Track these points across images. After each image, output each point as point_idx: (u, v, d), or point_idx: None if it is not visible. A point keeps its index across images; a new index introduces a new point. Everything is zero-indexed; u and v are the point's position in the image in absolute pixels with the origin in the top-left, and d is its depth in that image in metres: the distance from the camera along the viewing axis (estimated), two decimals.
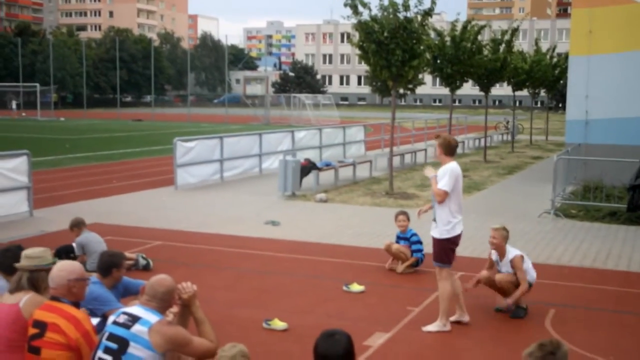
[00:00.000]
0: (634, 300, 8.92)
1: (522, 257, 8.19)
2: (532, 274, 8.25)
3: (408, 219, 10.20)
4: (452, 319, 7.75)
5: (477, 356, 7.03)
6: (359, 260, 10.71)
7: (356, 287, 9.11)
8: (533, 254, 11.09)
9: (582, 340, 7.25)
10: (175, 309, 5.08)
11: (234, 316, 7.95)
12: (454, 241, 7.73)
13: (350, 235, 12.57)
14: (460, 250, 11.36)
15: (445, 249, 7.68)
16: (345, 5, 16.68)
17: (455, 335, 7.55)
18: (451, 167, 7.54)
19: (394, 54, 16.43)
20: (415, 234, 10.13)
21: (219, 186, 19.01)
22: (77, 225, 9.58)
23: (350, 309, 8.34)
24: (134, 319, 4.68)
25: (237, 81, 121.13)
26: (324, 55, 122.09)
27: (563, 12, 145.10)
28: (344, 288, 9.11)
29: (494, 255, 8.38)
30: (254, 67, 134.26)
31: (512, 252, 8.24)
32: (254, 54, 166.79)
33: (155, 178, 20.25)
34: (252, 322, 7.67)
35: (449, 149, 7.65)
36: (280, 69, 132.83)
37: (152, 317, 4.70)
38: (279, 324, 7.57)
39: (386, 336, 7.41)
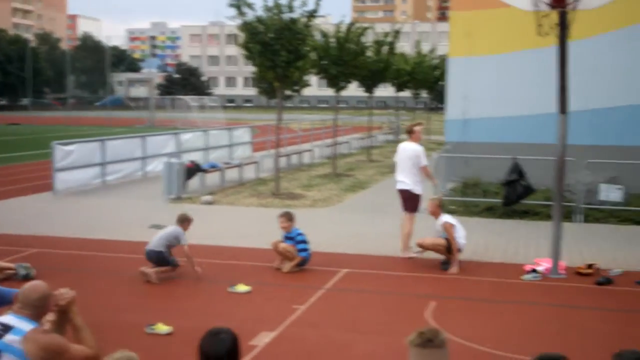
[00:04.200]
0: (508, 290, 9.34)
1: (452, 225, 10.30)
2: (462, 241, 10.37)
3: (289, 219, 10.21)
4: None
5: (361, 349, 7.14)
6: (245, 261, 10.68)
7: (242, 288, 9.08)
8: (415, 248, 11.41)
9: (461, 330, 7.51)
10: (51, 316, 4.89)
11: (116, 321, 7.75)
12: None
13: (236, 237, 12.51)
14: (345, 248, 11.59)
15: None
16: (230, 5, 16.59)
17: (341, 331, 7.66)
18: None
19: (279, 54, 16.49)
20: (300, 234, 10.18)
21: (101, 190, 18.47)
22: None
23: (236, 310, 8.30)
24: (6, 328, 4.48)
25: (120, 83, 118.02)
26: (210, 57, 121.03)
27: (443, 15, 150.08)
28: (229, 289, 9.06)
29: (438, 226, 10.48)
30: (137, 69, 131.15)
31: (445, 217, 10.48)
32: (137, 55, 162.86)
33: (33, 183, 19.44)
34: (134, 327, 7.50)
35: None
36: (164, 70, 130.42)
37: (25, 326, 4.51)
38: (162, 328, 7.43)
39: (272, 335, 7.42)
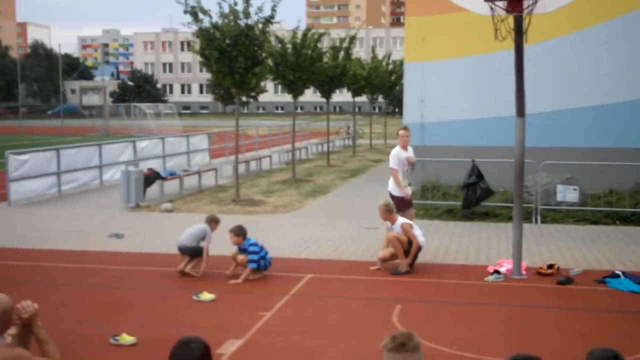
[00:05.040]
0: (472, 292, 9.42)
1: (411, 224, 10.45)
2: (421, 239, 10.45)
3: (236, 235, 9.97)
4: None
5: (330, 355, 7.12)
6: (208, 269, 10.54)
7: (206, 296, 8.98)
8: (368, 252, 11.45)
9: (428, 333, 7.54)
10: (13, 330, 4.75)
11: (80, 333, 7.59)
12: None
13: None
14: (308, 253, 11.57)
15: None
16: (185, 12, 16.46)
17: (308, 337, 7.62)
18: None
19: (236, 60, 16.42)
20: (253, 244, 9.96)
21: (57, 200, 18.14)
22: None
23: (202, 318, 8.21)
24: None
25: (73, 91, 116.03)
26: (164, 64, 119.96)
27: (396, 21, 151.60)
28: (194, 297, 8.96)
29: (389, 225, 10.57)
30: (90, 77, 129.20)
31: (401, 219, 10.52)
32: (89, 63, 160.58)
33: None
34: (99, 339, 7.36)
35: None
36: (118, 78, 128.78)
37: None
38: (127, 339, 7.31)
39: (238, 343, 7.35)
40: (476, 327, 7.98)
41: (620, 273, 9.74)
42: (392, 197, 11.42)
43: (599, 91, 17.43)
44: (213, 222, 10.60)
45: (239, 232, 10.06)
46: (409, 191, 11.53)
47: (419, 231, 10.60)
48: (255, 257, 9.94)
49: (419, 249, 10.40)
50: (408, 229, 10.36)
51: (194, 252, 10.30)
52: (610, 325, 8.03)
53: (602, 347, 3.84)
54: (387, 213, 10.53)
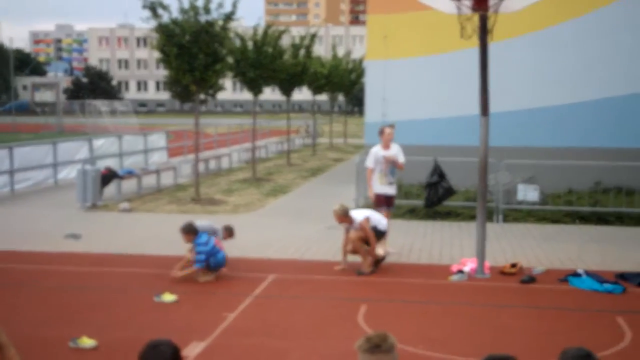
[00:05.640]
0: (437, 291, 9.39)
1: (367, 218, 10.27)
2: (383, 223, 10.45)
3: (185, 233, 9.76)
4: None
5: (295, 356, 7.00)
6: (170, 270, 10.34)
7: (168, 297, 8.78)
8: (330, 252, 11.38)
9: (393, 333, 7.38)
10: None
11: (39, 337, 7.34)
12: None
13: (158, 245, 12.15)
14: (271, 253, 11.43)
15: None
16: (144, 7, 16.15)
17: (273, 338, 7.49)
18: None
19: (196, 57, 16.19)
20: (202, 243, 9.65)
21: (9, 199, 17.66)
22: None
23: (164, 320, 8.01)
24: None
25: (25, 87, 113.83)
26: (120, 61, 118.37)
27: (356, 19, 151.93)
28: (155, 299, 8.75)
29: (346, 227, 10.40)
30: (42, 73, 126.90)
31: (358, 218, 10.27)
32: (42, 58, 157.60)
33: None
34: (58, 342, 7.12)
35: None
36: (72, 74, 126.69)
37: None
38: (87, 342, 7.09)
39: (203, 345, 7.19)
40: (442, 327, 7.95)
41: (582, 272, 9.82)
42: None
43: (560, 91, 17.61)
44: (226, 231, 10.65)
45: (188, 230, 9.80)
46: (376, 191, 11.33)
47: (378, 215, 10.55)
48: (202, 257, 9.60)
49: (383, 233, 10.41)
50: (365, 225, 10.18)
51: None
52: (575, 323, 8.07)
53: (575, 347, 3.80)
54: (343, 217, 10.28)
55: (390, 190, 11.49)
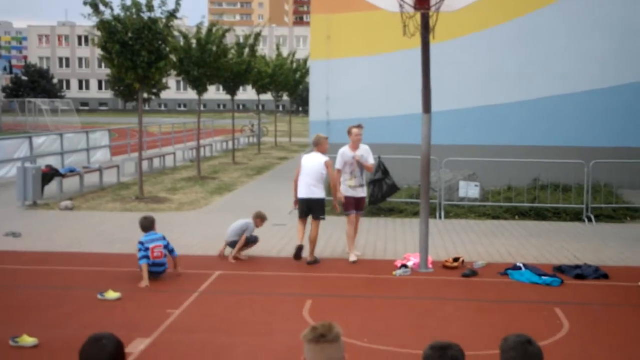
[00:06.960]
0: (381, 286, 9.53)
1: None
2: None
3: (147, 228, 9.74)
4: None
5: (241, 352, 7.01)
6: (113, 267, 10.25)
7: (112, 295, 8.69)
8: (287, 249, 11.43)
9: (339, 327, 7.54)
10: None
11: None
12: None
13: (101, 243, 12.00)
14: (215, 251, 11.40)
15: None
16: (86, 4, 15.91)
17: (218, 334, 7.50)
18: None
19: (139, 55, 16.03)
20: (141, 242, 9.50)
21: None
22: None
23: (108, 318, 7.93)
24: None
25: None
26: (61, 59, 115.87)
27: (300, 20, 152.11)
28: (99, 297, 8.66)
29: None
30: None
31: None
32: None
33: None
34: None
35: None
36: (11, 72, 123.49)
37: None
38: (28, 340, 6.97)
39: (147, 342, 7.15)
40: (386, 320, 8.06)
41: (521, 265, 10.08)
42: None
43: (499, 90, 18.01)
44: (258, 218, 11.05)
45: (141, 225, 9.74)
46: (345, 193, 10.87)
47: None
48: (146, 253, 9.43)
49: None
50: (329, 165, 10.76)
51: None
52: (515, 314, 8.29)
53: (516, 333, 3.93)
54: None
55: (361, 193, 11.07)
